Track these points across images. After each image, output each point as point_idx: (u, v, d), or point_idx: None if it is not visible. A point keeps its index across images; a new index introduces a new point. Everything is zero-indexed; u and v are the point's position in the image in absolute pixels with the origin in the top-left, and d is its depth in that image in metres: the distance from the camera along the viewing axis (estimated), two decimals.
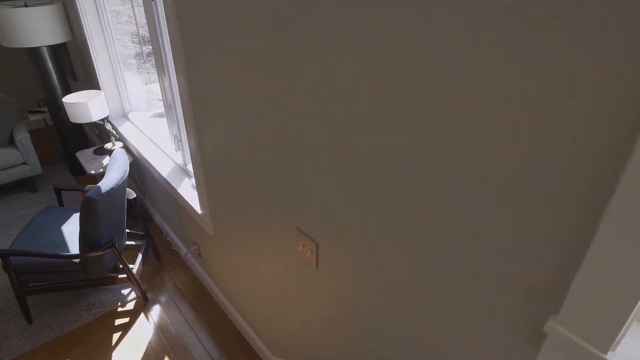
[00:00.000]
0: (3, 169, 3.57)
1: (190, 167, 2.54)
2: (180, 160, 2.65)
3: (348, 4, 0.86)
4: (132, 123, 3.31)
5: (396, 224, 0.99)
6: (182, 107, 1.94)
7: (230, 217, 1.95)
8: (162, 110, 2.93)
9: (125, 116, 3.45)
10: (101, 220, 2.24)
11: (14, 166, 3.61)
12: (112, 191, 2.26)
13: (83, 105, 2.83)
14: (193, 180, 2.48)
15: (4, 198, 3.76)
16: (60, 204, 2.87)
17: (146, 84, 3.36)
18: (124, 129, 3.21)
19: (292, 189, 1.33)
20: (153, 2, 2.14)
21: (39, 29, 3.22)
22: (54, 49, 3.56)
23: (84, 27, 3.05)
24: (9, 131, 3.65)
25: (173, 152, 2.72)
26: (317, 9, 0.94)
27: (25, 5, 3.21)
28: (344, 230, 1.18)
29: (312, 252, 1.36)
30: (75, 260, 2.33)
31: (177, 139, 2.57)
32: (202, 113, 1.78)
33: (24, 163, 3.66)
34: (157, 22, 2.17)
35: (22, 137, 3.58)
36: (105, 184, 2.21)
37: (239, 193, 1.75)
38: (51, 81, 3.60)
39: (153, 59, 2.39)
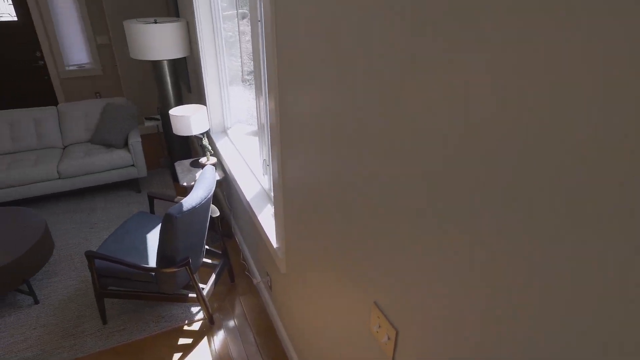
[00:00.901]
0: (115, 168, 3.86)
1: (273, 195, 2.41)
2: (266, 185, 2.54)
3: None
4: (230, 139, 3.33)
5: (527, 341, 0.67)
6: (270, 129, 1.80)
7: (303, 261, 1.74)
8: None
9: (224, 131, 3.51)
10: (179, 238, 2.19)
11: (124, 167, 3.89)
12: (194, 209, 2.21)
13: (185, 119, 2.90)
14: (274, 208, 2.34)
15: (113, 194, 4.07)
16: (152, 210, 2.95)
17: (254, 99, 3.39)
18: (221, 144, 3.24)
19: (377, 250, 1.07)
20: (259, 22, 2.07)
21: (164, 44, 3.43)
22: (174, 63, 3.78)
23: (199, 44, 3.17)
24: (125, 134, 3.96)
25: (261, 175, 2.63)
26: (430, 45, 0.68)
27: (155, 22, 3.46)
28: (439, 327, 0.87)
29: (389, 339, 1.07)
30: (151, 272, 2.32)
31: (266, 163, 2.46)
32: (288, 139, 1.61)
33: (133, 165, 3.92)
34: (260, 41, 2.09)
35: (135, 141, 3.84)
36: (188, 202, 2.17)
37: (315, 236, 1.53)
38: (167, 92, 3.83)
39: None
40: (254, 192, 2.56)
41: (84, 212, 3.79)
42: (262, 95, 2.25)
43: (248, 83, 3.28)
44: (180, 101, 3.94)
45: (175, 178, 4.28)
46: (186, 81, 4.35)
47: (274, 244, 2.12)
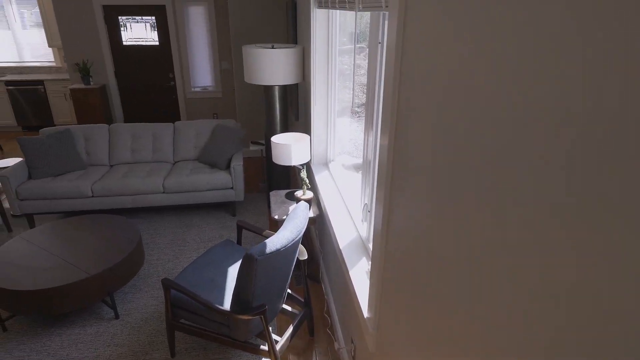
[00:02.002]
0: (215, 189, 3.83)
1: (371, 247, 2.01)
2: (364, 233, 2.15)
3: None
4: (330, 173, 3.05)
5: None
6: (378, 168, 1.43)
7: (400, 345, 1.29)
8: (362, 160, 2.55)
9: (326, 164, 3.24)
10: (258, 282, 1.91)
11: (223, 189, 3.85)
12: (278, 252, 1.91)
13: (286, 148, 2.69)
14: (370, 266, 1.94)
15: (209, 214, 4.05)
16: (239, 240, 2.76)
17: (361, 131, 3.10)
18: (320, 178, 2.97)
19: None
20: (379, 45, 1.75)
21: (278, 70, 3.34)
22: (285, 89, 3.69)
23: (312, 72, 2.99)
24: (230, 156, 3.94)
25: (359, 221, 2.26)
26: None
27: (272, 47, 3.40)
28: None
29: None
30: (224, 315, 2.06)
31: (367, 208, 2.09)
32: (399, 183, 1.23)
33: (232, 188, 3.86)
34: (377, 69, 1.77)
35: (236, 164, 3.79)
36: (272, 243, 1.88)
37: (419, 315, 1.09)
38: (274, 117, 3.73)
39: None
40: (349, 239, 2.20)
41: (180, 228, 3.80)
42: (372, 130, 1.91)
43: (357, 115, 3.00)
44: (286, 128, 3.82)
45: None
46: (295, 108, 4.25)
47: (365, 312, 1.70)
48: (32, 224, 3.83)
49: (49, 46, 6.55)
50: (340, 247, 2.11)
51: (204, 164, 4.09)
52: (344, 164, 3.07)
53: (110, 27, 5.90)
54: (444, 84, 0.91)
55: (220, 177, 3.80)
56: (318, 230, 3.01)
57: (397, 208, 1.28)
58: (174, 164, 4.21)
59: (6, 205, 4.21)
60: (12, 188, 3.60)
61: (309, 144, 2.80)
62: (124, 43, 6.00)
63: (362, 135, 2.91)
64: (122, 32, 5.94)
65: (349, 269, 1.95)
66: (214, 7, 5.84)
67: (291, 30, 4.13)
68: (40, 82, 6.56)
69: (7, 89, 6.55)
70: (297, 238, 2.04)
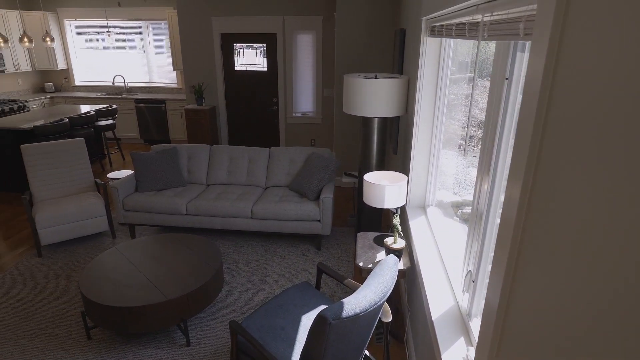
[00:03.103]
0: (302, 220, 3.68)
1: (473, 328, 1.61)
2: (463, 305, 1.76)
3: None
4: (427, 220, 2.68)
5: None
6: (498, 231, 1.08)
7: None
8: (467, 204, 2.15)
9: (422, 208, 2.88)
10: (329, 347, 1.63)
11: (310, 220, 3.68)
12: (357, 317, 1.62)
13: (379, 189, 2.40)
14: (470, 352, 1.54)
15: (294, 245, 3.91)
16: (318, 284, 2.52)
17: (467, 167, 2.69)
18: (415, 224, 2.62)
19: None
20: (506, 80, 1.40)
21: (379, 101, 3.11)
22: (385, 120, 3.43)
23: (416, 105, 2.69)
24: (320, 186, 3.78)
25: (459, 288, 1.86)
26: None
27: (375, 77, 3.19)
28: None
29: None
30: None
31: (470, 275, 1.70)
32: (534, 257, 0.86)
33: (318, 221, 3.67)
34: (500, 107, 1.42)
35: (326, 197, 3.60)
36: (351, 305, 1.59)
37: None
38: (370, 151, 3.48)
39: (480, 147, 1.65)
40: (444, 308, 1.82)
41: (263, 255, 3.71)
42: (488, 175, 1.54)
43: (461, 149, 2.60)
44: (382, 162, 3.54)
45: None
46: (394, 141, 3.96)
47: None
48: (133, 234, 4.06)
49: (174, 69, 7.21)
50: (433, 318, 1.74)
51: (294, 192, 3.98)
52: (442, 201, 2.68)
53: (225, 53, 6.29)
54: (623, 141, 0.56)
55: (308, 209, 3.64)
56: (407, 283, 2.64)
57: (526, 286, 0.92)
58: (265, 189, 4.18)
59: (114, 214, 4.56)
60: (120, 199, 3.86)
61: (405, 186, 2.48)
62: (236, 68, 6.34)
63: (464, 171, 2.51)
64: (235, 58, 6.29)
65: (440, 350, 1.58)
66: (321, 35, 5.88)
67: (398, 60, 3.89)
68: (163, 101, 7.23)
69: (135, 106, 7.35)
70: (381, 302, 1.72)
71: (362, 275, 2.48)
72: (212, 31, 6.15)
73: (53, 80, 8.13)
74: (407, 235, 2.71)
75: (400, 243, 2.44)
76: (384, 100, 3.12)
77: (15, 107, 6.74)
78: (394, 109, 3.16)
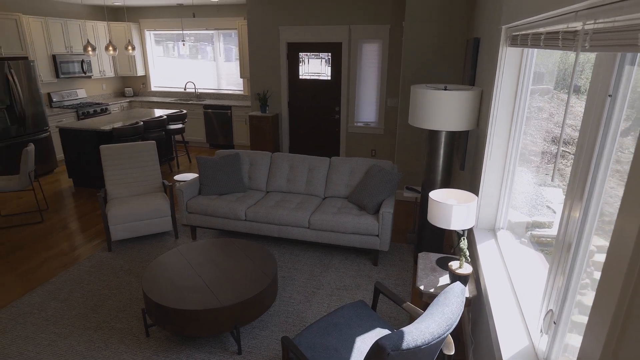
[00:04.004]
0: (359, 234, 3.57)
1: None
2: (540, 348, 1.56)
3: None
4: (497, 246, 2.46)
5: None
6: (604, 267, 0.92)
7: None
8: (543, 221, 1.93)
9: (492, 231, 2.66)
10: None
11: (368, 234, 3.56)
12: (418, 349, 1.49)
13: (446, 208, 2.24)
14: None
15: (350, 259, 3.81)
16: (374, 304, 2.40)
17: (540, 185, 2.45)
18: (484, 249, 2.41)
19: None
20: (609, 97, 1.22)
21: (448, 114, 2.94)
22: (452, 134, 3.24)
23: (490, 119, 2.49)
24: (380, 200, 3.65)
25: (535, 328, 1.66)
26: None
27: (445, 89, 3.02)
28: None
29: None
30: None
31: (551, 315, 1.50)
32: None
33: (377, 235, 3.54)
34: (600, 126, 1.23)
35: (386, 211, 3.46)
36: (411, 336, 1.47)
37: None
38: (436, 166, 3.31)
39: (560, 164, 1.46)
40: (515, 348, 1.62)
41: (318, 267, 3.64)
42: (580, 201, 1.35)
43: (534, 165, 2.37)
44: (448, 179, 3.35)
45: (417, 262, 3.67)
46: (462, 156, 3.74)
47: None
48: (194, 235, 4.19)
49: (241, 77, 7.45)
50: (504, 358, 1.56)
51: (353, 204, 3.89)
52: (510, 220, 2.45)
53: (290, 62, 6.38)
54: None
55: (366, 222, 3.52)
56: (472, 313, 2.44)
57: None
58: (323, 199, 4.13)
59: (178, 215, 4.74)
60: (184, 201, 4.00)
61: (475, 207, 2.29)
62: (300, 77, 6.40)
63: (536, 190, 2.27)
64: (300, 67, 6.35)
65: None
66: (387, 44, 5.77)
67: (469, 71, 3.68)
68: (229, 107, 7.49)
69: (204, 111, 7.67)
70: (445, 335, 1.57)
71: (422, 299, 2.32)
72: (279, 40, 6.26)
73: (132, 86, 8.75)
74: (474, 259, 2.51)
75: (466, 268, 2.26)
76: (454, 113, 2.95)
77: (98, 109, 7.31)
78: (464, 123, 2.98)
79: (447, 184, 3.38)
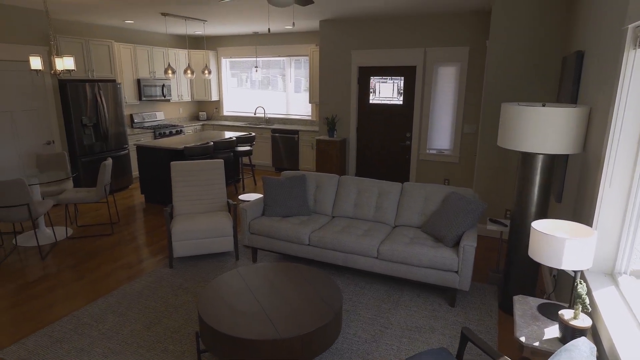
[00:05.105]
0: (435, 268, 3.16)
1: None
2: None
3: None
4: (621, 294, 1.96)
5: None
6: None
7: None
8: None
9: (610, 276, 2.16)
10: None
11: (445, 270, 3.14)
12: None
13: (556, 242, 1.82)
14: None
15: (422, 296, 3.38)
16: (460, 354, 1.99)
17: None
18: (602, 296, 1.93)
19: None
20: None
21: (548, 134, 2.53)
22: (551, 159, 2.79)
23: (608, 141, 2.05)
24: (460, 232, 3.23)
25: None
26: None
27: (543, 106, 2.62)
28: None
29: None
30: None
31: None
32: None
33: (456, 272, 3.11)
34: None
35: (468, 244, 3.04)
36: None
37: None
38: (529, 195, 2.86)
39: None
40: None
41: (386, 303, 3.26)
42: None
43: None
44: (543, 211, 2.87)
45: (504, 309, 3.16)
46: (559, 186, 3.23)
47: None
48: (255, 258, 4.01)
49: (309, 102, 7.43)
50: None
51: (427, 234, 3.50)
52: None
53: (361, 86, 6.22)
54: None
55: (444, 256, 3.11)
56: None
57: None
58: (394, 227, 3.78)
59: (240, 236, 4.62)
60: (247, 220, 3.85)
61: (593, 243, 1.84)
62: (370, 101, 6.20)
63: None
64: (371, 91, 6.17)
65: None
66: (467, 67, 5.41)
67: (569, 88, 3.22)
68: (296, 132, 7.46)
69: (272, 135, 7.72)
70: None
71: (521, 353, 1.88)
72: (351, 64, 6.16)
73: (206, 110, 9.11)
74: (593, 310, 2.02)
75: (583, 320, 1.79)
76: (554, 133, 2.53)
77: (174, 131, 7.64)
78: (566, 145, 2.54)
79: (542, 217, 2.90)
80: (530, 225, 2.90)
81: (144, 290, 3.45)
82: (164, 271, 3.80)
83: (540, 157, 2.79)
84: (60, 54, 5.64)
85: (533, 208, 2.88)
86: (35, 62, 4.23)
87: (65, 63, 4.41)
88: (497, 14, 4.23)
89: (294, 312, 2.44)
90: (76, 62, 5.94)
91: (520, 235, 2.95)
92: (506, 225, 3.46)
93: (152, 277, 3.68)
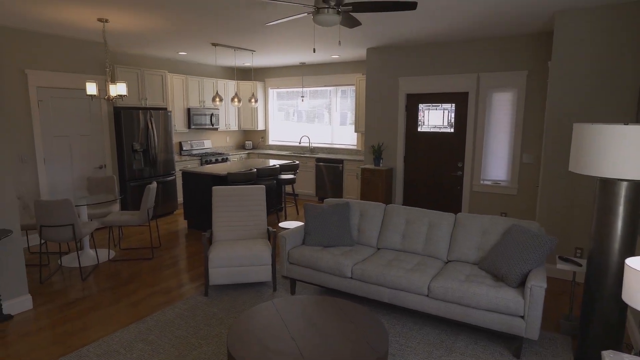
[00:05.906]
0: (496, 311, 2.75)
1: None
2: None
3: None
4: None
5: None
6: None
7: None
8: None
9: None
10: None
11: (508, 314, 2.72)
12: None
13: None
14: None
15: (480, 343, 2.95)
16: None
17: None
18: None
19: None
20: None
21: (632, 157, 2.15)
22: (637, 186, 2.38)
23: None
24: (526, 271, 2.82)
25: None
26: None
27: (626, 124, 2.25)
28: None
29: None
30: None
31: None
32: None
33: (522, 317, 2.69)
34: None
35: (537, 285, 2.62)
36: None
37: None
38: (611, 228, 2.44)
39: None
40: None
41: (438, 349, 2.87)
42: None
43: None
44: (630, 247, 2.43)
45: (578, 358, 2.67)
46: None
47: None
48: (293, 290, 3.76)
49: (355, 131, 7.27)
50: None
51: (485, 272, 3.10)
52: None
53: (409, 113, 5.99)
54: None
55: (507, 297, 2.71)
56: None
57: None
58: (446, 262, 3.41)
59: (278, 265, 4.40)
60: (286, 249, 3.64)
61: None
62: (419, 129, 5.94)
63: None
64: (419, 119, 5.91)
65: None
66: (524, 92, 5.04)
67: None
68: (341, 161, 7.29)
69: (316, 164, 7.60)
70: None
71: None
72: (398, 92, 5.97)
73: (252, 139, 9.21)
74: None
75: None
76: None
77: (220, 158, 7.72)
78: None
79: (629, 254, 2.46)
80: (612, 265, 2.46)
81: (177, 318, 3.28)
82: (199, 299, 3.63)
83: (624, 185, 2.39)
84: (115, 81, 5.91)
85: (616, 244, 2.44)
86: (91, 88, 4.39)
87: (118, 89, 4.55)
88: (559, 33, 3.90)
89: (333, 354, 2.14)
90: (131, 91, 6.20)
91: (601, 276, 2.51)
92: (580, 265, 3.00)
93: (187, 305, 3.51)
